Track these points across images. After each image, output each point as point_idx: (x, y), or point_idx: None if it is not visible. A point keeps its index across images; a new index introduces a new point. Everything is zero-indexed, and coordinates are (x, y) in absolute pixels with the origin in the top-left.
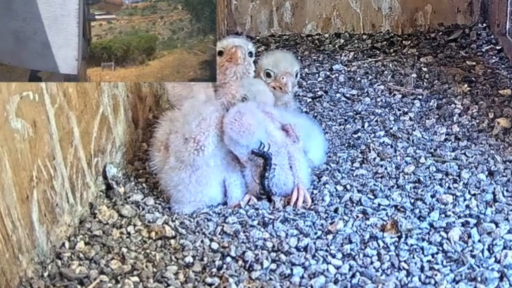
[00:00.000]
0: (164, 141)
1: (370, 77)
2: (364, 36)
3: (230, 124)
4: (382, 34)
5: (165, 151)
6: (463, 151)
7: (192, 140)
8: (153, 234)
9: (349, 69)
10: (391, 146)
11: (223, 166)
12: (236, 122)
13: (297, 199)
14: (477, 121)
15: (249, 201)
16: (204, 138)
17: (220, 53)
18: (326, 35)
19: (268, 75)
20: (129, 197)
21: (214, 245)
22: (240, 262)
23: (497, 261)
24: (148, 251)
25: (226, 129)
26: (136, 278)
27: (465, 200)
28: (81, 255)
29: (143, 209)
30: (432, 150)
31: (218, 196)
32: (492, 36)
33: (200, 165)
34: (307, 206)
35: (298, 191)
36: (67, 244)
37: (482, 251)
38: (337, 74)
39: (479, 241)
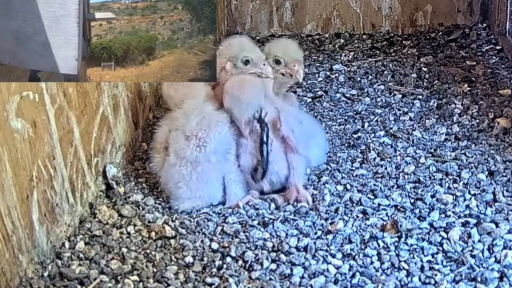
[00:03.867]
0: (164, 142)
1: (370, 77)
2: (364, 36)
3: (231, 85)
4: (382, 34)
5: (165, 151)
6: (463, 151)
7: (194, 137)
8: (153, 234)
9: (349, 69)
10: (391, 146)
11: (223, 163)
12: (237, 82)
13: (297, 199)
14: (477, 121)
15: (248, 202)
16: (206, 135)
17: (278, 62)
18: (326, 35)
19: (277, 62)
20: (129, 197)
21: (214, 245)
22: (240, 262)
23: (497, 261)
24: (148, 251)
25: (227, 90)
26: (136, 278)
27: (465, 200)
28: (81, 255)
29: (143, 209)
30: (432, 150)
31: (218, 194)
32: (492, 36)
33: (201, 162)
34: (308, 206)
35: (298, 191)
36: (67, 244)
37: (482, 251)
38: (337, 74)
39: (479, 241)
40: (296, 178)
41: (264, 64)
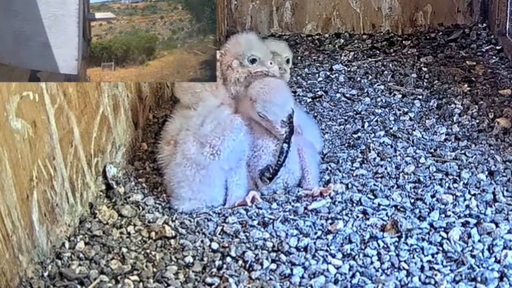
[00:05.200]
0: (174, 136)
1: (370, 77)
2: (364, 36)
3: (260, 91)
4: (382, 34)
5: (174, 146)
6: (463, 151)
7: (208, 145)
8: (153, 234)
9: (349, 69)
10: (391, 146)
11: (234, 169)
12: (265, 87)
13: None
14: (477, 121)
15: (253, 199)
16: (220, 143)
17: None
18: (326, 35)
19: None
20: (129, 197)
21: (214, 245)
22: (240, 262)
23: (497, 261)
24: (148, 251)
25: (257, 98)
26: (136, 278)
27: (465, 200)
28: (81, 255)
29: (143, 209)
30: (432, 150)
31: (219, 197)
32: (492, 36)
33: (207, 166)
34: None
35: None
36: (67, 244)
37: (482, 251)
38: (337, 74)
39: (479, 241)
40: (312, 181)
41: (271, 63)
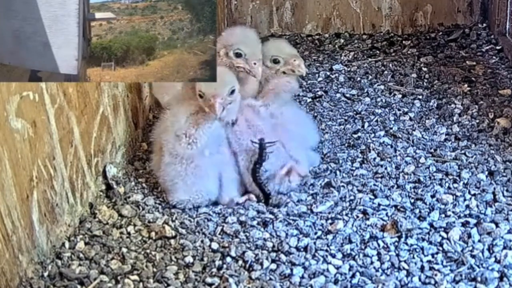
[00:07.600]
0: (159, 141)
1: (370, 77)
2: (364, 36)
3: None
4: (382, 34)
5: (160, 151)
6: (463, 151)
7: (183, 135)
8: (153, 234)
9: (349, 69)
10: (391, 146)
11: (218, 156)
12: None
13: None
14: (477, 121)
15: (246, 201)
16: (195, 131)
17: (276, 61)
18: (326, 35)
19: (276, 61)
20: (129, 197)
21: (214, 245)
22: (240, 262)
23: (497, 261)
24: (148, 251)
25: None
26: (136, 278)
27: (465, 200)
28: (81, 255)
29: (143, 209)
30: (432, 150)
31: (214, 188)
32: (492, 36)
33: (195, 158)
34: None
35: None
36: (67, 244)
37: (482, 251)
38: (337, 74)
39: (479, 241)
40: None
41: (255, 63)
